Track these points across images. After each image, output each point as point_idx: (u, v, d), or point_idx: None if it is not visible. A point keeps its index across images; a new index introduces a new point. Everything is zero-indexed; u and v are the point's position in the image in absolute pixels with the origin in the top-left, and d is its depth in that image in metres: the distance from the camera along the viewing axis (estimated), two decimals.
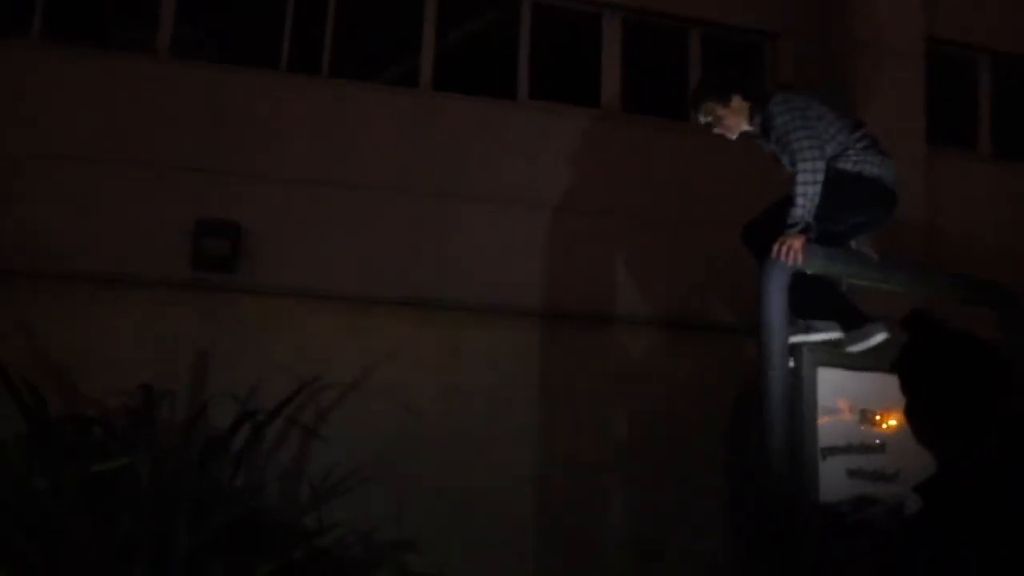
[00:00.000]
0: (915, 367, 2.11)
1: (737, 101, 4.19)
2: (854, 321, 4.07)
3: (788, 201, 3.97)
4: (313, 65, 5.83)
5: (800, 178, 3.91)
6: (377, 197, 5.65)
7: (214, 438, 4.43)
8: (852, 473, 3.84)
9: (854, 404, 3.89)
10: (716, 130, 4.27)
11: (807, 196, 3.89)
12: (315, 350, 5.37)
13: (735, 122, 4.21)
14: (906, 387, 2.09)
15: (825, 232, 3.98)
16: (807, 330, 4.00)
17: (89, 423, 4.38)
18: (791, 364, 3.76)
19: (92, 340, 4.96)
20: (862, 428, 3.89)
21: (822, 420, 3.78)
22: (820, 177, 3.90)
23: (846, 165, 4.05)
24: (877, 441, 3.87)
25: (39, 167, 5.21)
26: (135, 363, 4.86)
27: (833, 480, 3.78)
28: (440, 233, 5.70)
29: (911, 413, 2.07)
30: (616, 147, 6.06)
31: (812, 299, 4.08)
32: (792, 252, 3.79)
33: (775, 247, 3.79)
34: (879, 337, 3.99)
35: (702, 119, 4.26)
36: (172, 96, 5.47)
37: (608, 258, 5.91)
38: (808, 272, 3.93)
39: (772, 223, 3.98)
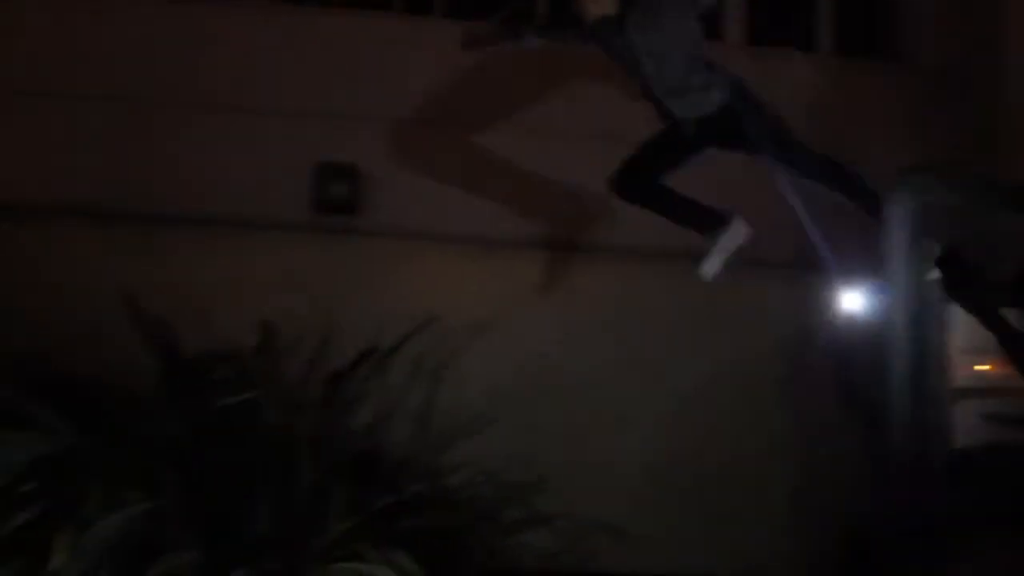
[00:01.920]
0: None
1: None
2: None
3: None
4: (426, 6, 5.85)
5: None
6: (495, 136, 5.62)
7: (334, 375, 4.52)
8: (988, 418, 3.62)
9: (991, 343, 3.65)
10: None
11: None
12: (437, 291, 5.43)
13: None
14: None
15: None
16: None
17: (218, 361, 4.54)
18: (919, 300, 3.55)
19: (221, 281, 5.14)
20: (1000, 370, 3.65)
21: (955, 360, 3.57)
22: None
23: None
24: (1014, 383, 3.63)
25: (173, 114, 5.40)
26: (261, 304, 4.99)
27: (966, 425, 3.57)
28: (559, 172, 5.64)
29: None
30: None
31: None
32: None
33: None
34: None
35: None
36: (293, 42, 5.57)
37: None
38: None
39: None
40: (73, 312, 5.03)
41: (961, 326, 3.63)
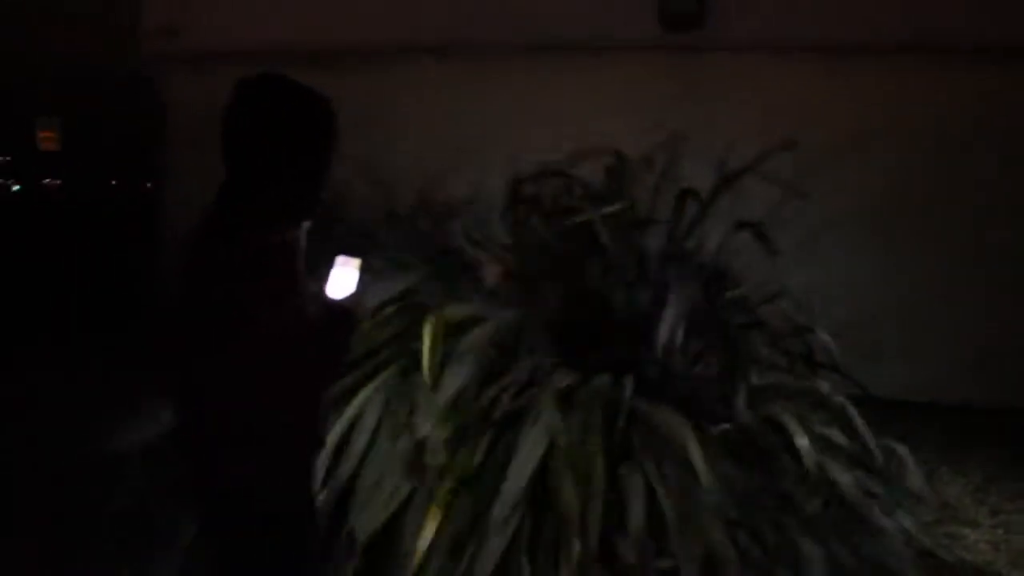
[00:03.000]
0: None
1: None
2: None
3: None
4: None
5: None
6: None
7: (682, 194, 4.42)
8: None
9: None
10: None
11: None
12: (790, 105, 5.11)
13: None
14: None
15: None
16: None
17: (569, 181, 4.61)
18: None
19: (566, 104, 5.17)
20: None
21: None
22: None
23: None
24: None
25: None
26: (606, 125, 4.95)
27: None
28: None
29: None
30: None
31: None
32: None
33: None
34: None
35: None
36: None
37: None
38: None
39: None
40: (432, 138, 5.37)
41: None
